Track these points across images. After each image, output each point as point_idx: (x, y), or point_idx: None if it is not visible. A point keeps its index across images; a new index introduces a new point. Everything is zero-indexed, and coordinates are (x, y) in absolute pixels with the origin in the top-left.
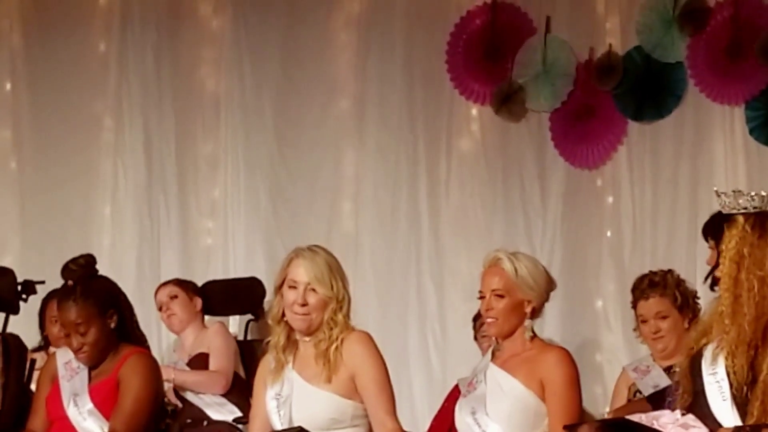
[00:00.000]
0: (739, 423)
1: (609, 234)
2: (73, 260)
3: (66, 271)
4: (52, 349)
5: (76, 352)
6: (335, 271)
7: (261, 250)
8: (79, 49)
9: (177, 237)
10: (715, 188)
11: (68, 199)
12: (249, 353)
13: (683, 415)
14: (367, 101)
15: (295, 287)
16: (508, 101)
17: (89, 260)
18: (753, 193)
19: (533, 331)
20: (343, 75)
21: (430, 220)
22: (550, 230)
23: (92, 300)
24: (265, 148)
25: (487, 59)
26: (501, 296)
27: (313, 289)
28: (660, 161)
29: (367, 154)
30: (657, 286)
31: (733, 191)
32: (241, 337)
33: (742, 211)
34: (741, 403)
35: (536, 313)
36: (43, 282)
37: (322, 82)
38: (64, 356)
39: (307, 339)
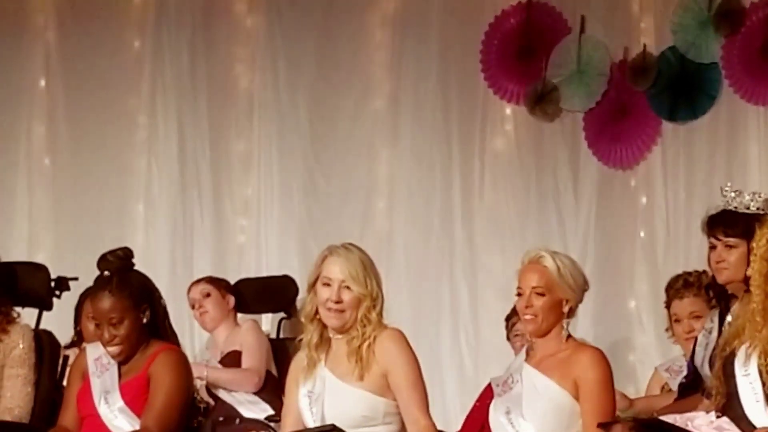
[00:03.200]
0: None
1: (642, 234)
2: (111, 252)
3: (103, 261)
4: (85, 346)
5: (106, 343)
6: (369, 269)
7: (294, 249)
8: (114, 46)
9: (210, 234)
10: (721, 186)
11: (102, 196)
12: (282, 351)
13: (718, 417)
14: (401, 100)
15: (329, 284)
16: (542, 101)
17: (127, 253)
18: (753, 193)
19: (568, 331)
20: (378, 74)
21: (463, 220)
22: (583, 230)
23: (127, 292)
24: (298, 147)
25: (522, 58)
26: (542, 294)
27: (348, 287)
28: (694, 162)
29: (401, 153)
30: (692, 286)
31: (735, 190)
32: (273, 336)
33: (750, 209)
34: None
35: (572, 312)
36: (76, 279)
37: (356, 81)
38: (94, 352)
39: (339, 337)
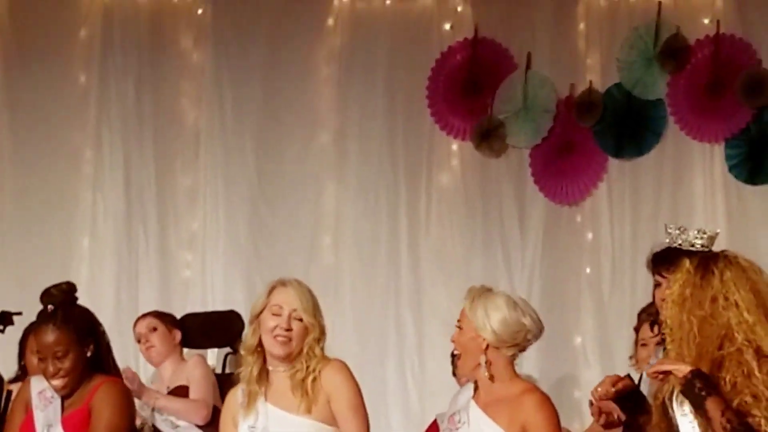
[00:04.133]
0: None
1: (588, 270)
2: (55, 286)
3: (46, 295)
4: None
5: (51, 377)
6: (317, 303)
7: (240, 283)
8: (60, 80)
9: (155, 269)
10: (665, 224)
11: (47, 230)
12: (227, 386)
13: None
14: (347, 135)
15: (279, 314)
16: (488, 137)
17: (71, 287)
18: (698, 230)
19: (513, 371)
20: (325, 109)
21: (409, 254)
22: (528, 266)
23: (72, 326)
24: (244, 181)
25: (468, 95)
26: (459, 328)
27: (298, 318)
28: (640, 198)
29: (347, 188)
30: None
31: (679, 228)
32: (219, 371)
33: (695, 247)
34: None
35: (496, 353)
36: (20, 313)
37: (303, 116)
38: (38, 385)
39: (281, 369)
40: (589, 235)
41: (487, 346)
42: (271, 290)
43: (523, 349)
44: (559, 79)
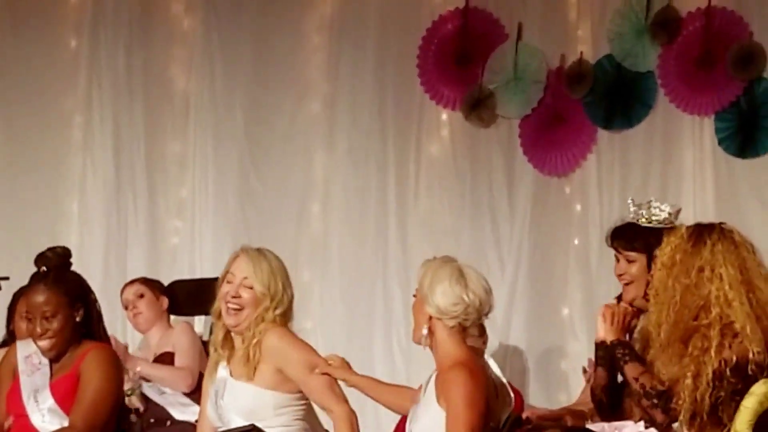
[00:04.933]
0: None
1: (576, 242)
2: (50, 249)
3: (41, 258)
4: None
5: (38, 337)
6: (276, 271)
7: (228, 251)
8: (50, 46)
9: (144, 236)
10: (630, 199)
11: (36, 195)
12: None
13: (647, 427)
14: (337, 104)
15: (231, 281)
16: (478, 107)
17: (66, 251)
18: (660, 205)
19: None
20: (315, 77)
21: (398, 224)
22: (517, 237)
23: (63, 288)
24: (234, 149)
25: (458, 64)
26: (415, 296)
27: (249, 285)
28: (629, 170)
29: (337, 156)
30: None
31: (641, 204)
32: (206, 338)
33: (654, 223)
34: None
35: (439, 324)
36: (7, 278)
37: (293, 84)
38: (24, 349)
39: (239, 337)
40: (578, 207)
41: (430, 317)
42: (233, 258)
43: (464, 324)
44: (549, 49)
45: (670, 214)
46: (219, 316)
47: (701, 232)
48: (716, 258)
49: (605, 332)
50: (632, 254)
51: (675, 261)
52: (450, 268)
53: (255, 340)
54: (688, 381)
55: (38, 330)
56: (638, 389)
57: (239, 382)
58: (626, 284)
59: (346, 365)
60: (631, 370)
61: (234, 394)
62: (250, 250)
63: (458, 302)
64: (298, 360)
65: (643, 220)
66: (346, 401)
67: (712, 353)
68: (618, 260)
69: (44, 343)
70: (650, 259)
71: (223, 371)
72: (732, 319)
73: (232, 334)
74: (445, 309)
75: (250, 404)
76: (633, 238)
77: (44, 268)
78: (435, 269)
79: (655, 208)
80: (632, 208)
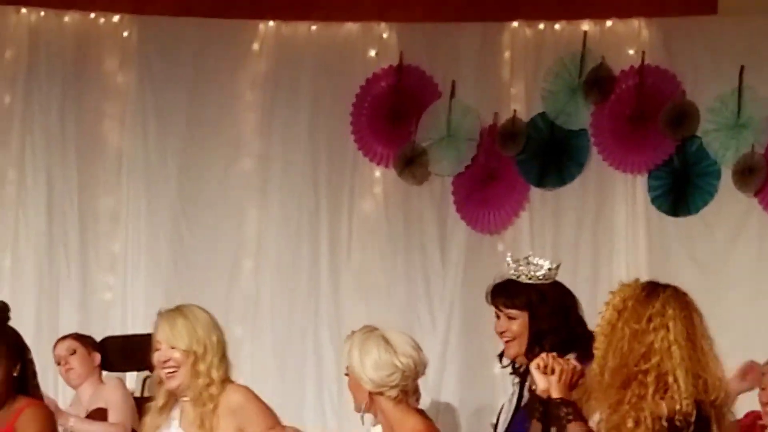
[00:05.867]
0: None
1: None
2: None
3: None
4: None
5: None
6: (198, 324)
7: (161, 306)
8: None
9: (76, 291)
10: (509, 255)
11: None
12: (146, 409)
13: None
14: (271, 161)
15: (158, 348)
16: (411, 164)
17: (5, 306)
18: (538, 262)
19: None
20: (248, 134)
21: (330, 281)
22: (449, 293)
23: (4, 344)
24: (167, 205)
25: (392, 122)
26: (347, 375)
27: (172, 347)
28: (561, 228)
29: (269, 213)
30: None
31: (519, 259)
32: (138, 394)
33: (534, 279)
34: None
35: (381, 398)
36: None
37: (226, 141)
38: None
39: (185, 399)
40: None
41: (370, 393)
42: (154, 324)
43: (405, 389)
44: (483, 107)
45: (549, 269)
46: (159, 382)
47: (655, 286)
48: (667, 311)
49: (553, 388)
50: (513, 311)
51: (626, 306)
52: (375, 338)
53: (211, 405)
54: (630, 425)
55: None
56: None
57: None
58: (507, 341)
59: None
60: (574, 429)
61: None
62: (165, 313)
63: (393, 371)
64: (261, 423)
65: (524, 276)
66: None
67: (649, 399)
68: (498, 317)
69: None
70: (531, 316)
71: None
72: (667, 369)
73: (178, 396)
74: (382, 381)
75: None
76: (514, 295)
77: None
78: (360, 343)
79: (534, 264)
80: (512, 264)
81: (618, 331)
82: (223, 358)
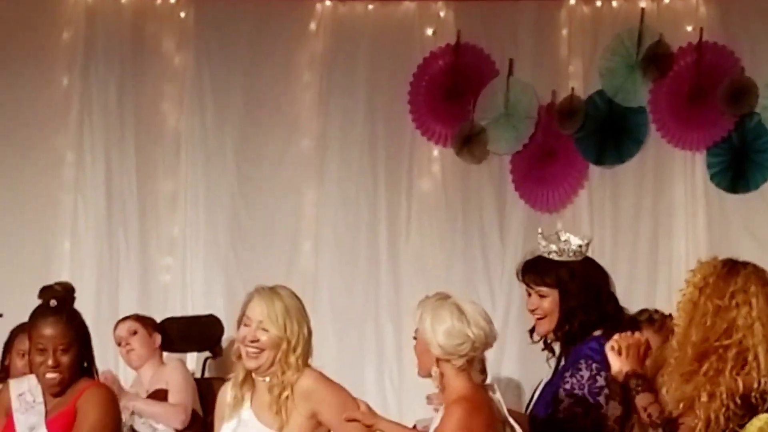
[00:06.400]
0: None
1: None
2: (57, 283)
3: (49, 290)
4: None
5: (49, 370)
6: (293, 313)
7: (219, 288)
8: (42, 83)
9: (136, 273)
10: (540, 231)
11: (28, 232)
12: (207, 391)
13: None
14: (328, 141)
15: (248, 324)
16: (469, 143)
17: (72, 287)
18: (570, 239)
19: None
20: (306, 114)
21: (389, 261)
22: (508, 272)
23: (76, 325)
24: (225, 186)
25: (449, 100)
26: (415, 338)
27: (265, 329)
28: (620, 206)
29: (327, 193)
30: (654, 323)
31: (550, 236)
32: (198, 375)
33: (565, 256)
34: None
35: (447, 365)
36: (1, 315)
37: (284, 121)
38: (18, 387)
39: (261, 379)
40: None
41: (438, 359)
42: (248, 300)
43: (471, 359)
44: (540, 85)
45: (580, 246)
46: (239, 357)
47: (735, 263)
48: (749, 287)
49: (621, 364)
50: (543, 289)
51: (708, 282)
52: (449, 306)
53: (286, 393)
54: (704, 399)
55: (50, 362)
56: (645, 419)
57: (267, 430)
58: (539, 319)
59: (372, 411)
60: (641, 400)
61: None
62: (263, 291)
63: (464, 341)
64: (335, 403)
65: (554, 254)
66: None
67: (726, 375)
68: (530, 295)
69: (53, 376)
70: (562, 294)
71: (246, 413)
72: (748, 346)
73: (254, 375)
74: (451, 349)
75: None
76: (544, 273)
77: (54, 301)
78: (433, 309)
79: (564, 240)
80: (542, 242)
81: (700, 308)
82: (309, 347)
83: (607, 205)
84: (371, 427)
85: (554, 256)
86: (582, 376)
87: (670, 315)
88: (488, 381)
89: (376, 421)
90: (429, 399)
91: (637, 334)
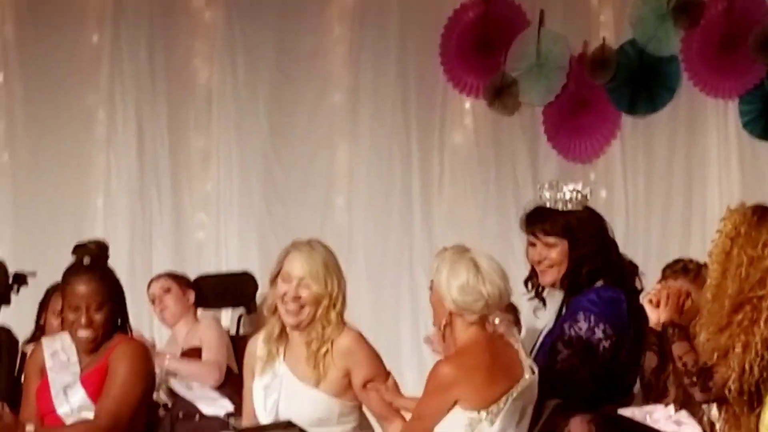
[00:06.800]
0: None
1: None
2: (90, 241)
3: (82, 248)
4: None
5: (83, 327)
6: (331, 268)
7: (253, 244)
8: (72, 41)
9: (169, 230)
10: (541, 182)
11: (61, 191)
12: (241, 347)
13: (677, 411)
14: (360, 95)
15: (288, 281)
16: (501, 94)
17: (106, 245)
18: (572, 188)
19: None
20: (337, 68)
21: (422, 214)
22: None
23: (110, 280)
24: (258, 142)
25: (481, 52)
26: (431, 289)
27: (306, 285)
28: (653, 155)
29: (360, 147)
30: (689, 272)
31: (552, 186)
32: (233, 332)
33: (568, 205)
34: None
35: (459, 319)
36: (34, 274)
37: (315, 76)
38: (51, 346)
39: (297, 334)
40: (603, 193)
41: (451, 312)
42: (286, 255)
43: (484, 316)
44: (572, 35)
45: (584, 195)
46: (273, 312)
47: (765, 210)
48: None
49: (660, 313)
50: (552, 239)
51: (740, 232)
52: (465, 261)
53: (325, 348)
54: (738, 349)
55: (83, 320)
56: (680, 367)
57: (305, 386)
58: (545, 269)
59: (396, 389)
60: (677, 348)
61: (298, 398)
62: (302, 247)
63: (478, 298)
64: (367, 369)
65: (560, 203)
66: (403, 416)
67: (761, 325)
68: (534, 245)
69: (87, 333)
70: (571, 243)
71: (281, 367)
72: None
73: (289, 330)
74: (465, 305)
75: (316, 412)
76: (553, 221)
77: (88, 259)
78: (450, 263)
79: (570, 190)
80: (546, 193)
81: (734, 259)
82: (344, 302)
83: (640, 154)
84: (391, 404)
85: (559, 206)
86: (580, 328)
87: (705, 264)
88: (522, 333)
89: (396, 398)
90: (427, 339)
91: (679, 281)
